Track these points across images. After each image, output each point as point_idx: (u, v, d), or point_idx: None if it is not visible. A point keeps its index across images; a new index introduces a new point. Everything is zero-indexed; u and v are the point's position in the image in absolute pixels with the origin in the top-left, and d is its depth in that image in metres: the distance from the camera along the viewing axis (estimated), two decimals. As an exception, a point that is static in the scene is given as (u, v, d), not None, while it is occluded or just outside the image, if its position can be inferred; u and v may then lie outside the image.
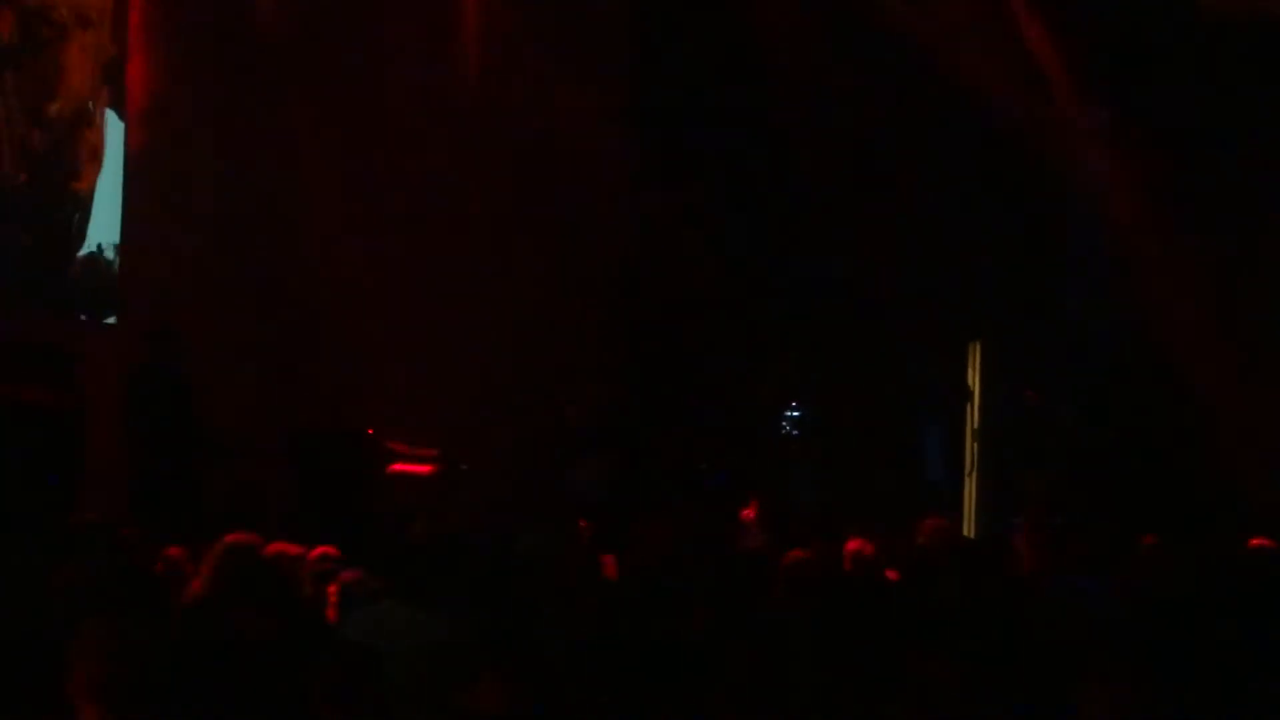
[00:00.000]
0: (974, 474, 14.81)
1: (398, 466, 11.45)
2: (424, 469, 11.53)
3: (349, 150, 12.83)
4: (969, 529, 14.13)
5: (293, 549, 7.03)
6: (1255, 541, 8.68)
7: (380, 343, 12.69)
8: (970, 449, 14.89)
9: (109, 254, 12.04)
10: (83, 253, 11.93)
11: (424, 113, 13.25)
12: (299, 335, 12.51)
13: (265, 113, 12.56)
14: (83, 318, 12.04)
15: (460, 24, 13.60)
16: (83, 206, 11.94)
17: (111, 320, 12.06)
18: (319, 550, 7.14)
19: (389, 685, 4.94)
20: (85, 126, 11.98)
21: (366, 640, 5.40)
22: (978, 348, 15.08)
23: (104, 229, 12.06)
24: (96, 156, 12.00)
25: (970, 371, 15.11)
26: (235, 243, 12.31)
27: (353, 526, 9.25)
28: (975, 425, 14.93)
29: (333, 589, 6.78)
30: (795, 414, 14.55)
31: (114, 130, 12.08)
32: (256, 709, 5.03)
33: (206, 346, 11.15)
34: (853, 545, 7.94)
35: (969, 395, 14.98)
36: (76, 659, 4.39)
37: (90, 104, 12.02)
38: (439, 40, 13.45)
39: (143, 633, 4.53)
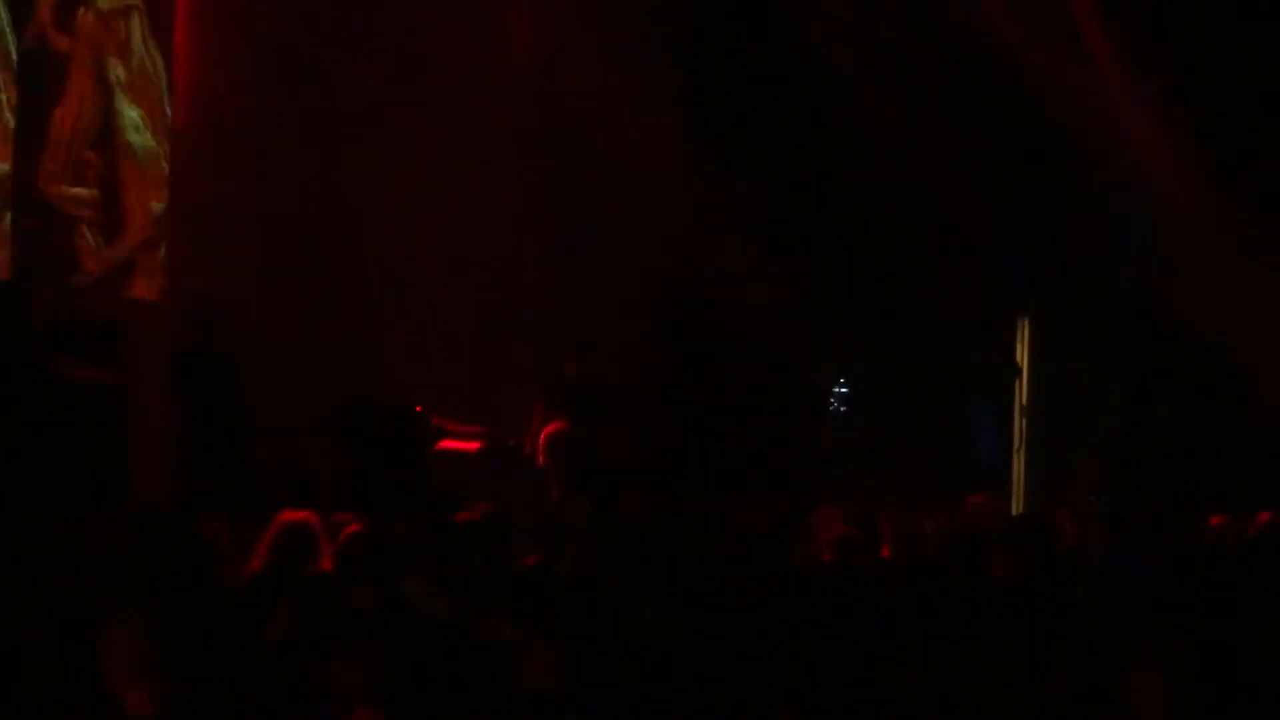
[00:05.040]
0: (1023, 451, 14.73)
1: (445, 444, 11.44)
2: (471, 446, 11.52)
3: (398, 132, 12.83)
4: (1018, 506, 14.07)
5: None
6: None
7: (428, 321, 12.72)
8: (1019, 425, 14.82)
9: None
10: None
11: (473, 96, 13.24)
12: (347, 313, 12.55)
13: (313, 94, 12.57)
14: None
15: (511, 7, 13.63)
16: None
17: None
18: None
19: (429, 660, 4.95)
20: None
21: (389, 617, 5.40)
22: (1026, 324, 15.00)
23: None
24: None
25: (1019, 348, 15.03)
26: (282, 222, 12.32)
27: (400, 504, 9.25)
28: (1024, 402, 14.85)
29: None
30: (844, 390, 14.51)
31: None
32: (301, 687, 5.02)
33: (254, 324, 11.17)
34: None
35: (1018, 371, 14.89)
36: (124, 640, 4.33)
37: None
38: (489, 24, 13.45)
39: (194, 610, 4.51)
